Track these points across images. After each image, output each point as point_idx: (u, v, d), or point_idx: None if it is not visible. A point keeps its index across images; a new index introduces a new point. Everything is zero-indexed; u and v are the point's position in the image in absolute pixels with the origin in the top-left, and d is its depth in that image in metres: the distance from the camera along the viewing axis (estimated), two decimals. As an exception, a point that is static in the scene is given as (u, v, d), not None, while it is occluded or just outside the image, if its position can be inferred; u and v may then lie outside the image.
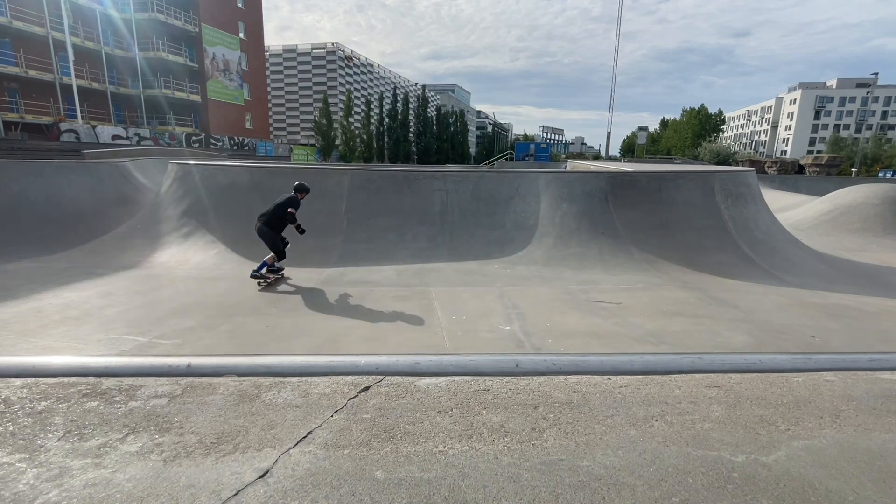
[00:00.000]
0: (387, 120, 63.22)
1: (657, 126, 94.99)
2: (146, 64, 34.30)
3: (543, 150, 49.32)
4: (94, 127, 28.44)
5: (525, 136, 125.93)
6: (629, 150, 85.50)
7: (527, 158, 44.89)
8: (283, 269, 6.72)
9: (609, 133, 56.39)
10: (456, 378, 1.25)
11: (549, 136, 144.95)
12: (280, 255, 6.47)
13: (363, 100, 70.70)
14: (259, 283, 6.26)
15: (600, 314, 5.19)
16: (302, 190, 6.50)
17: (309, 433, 0.96)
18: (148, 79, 34.71)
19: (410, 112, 66.43)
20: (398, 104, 63.50)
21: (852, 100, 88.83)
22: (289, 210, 6.19)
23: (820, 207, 14.14)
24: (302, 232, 6.34)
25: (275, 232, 6.34)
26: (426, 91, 77.01)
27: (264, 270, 6.38)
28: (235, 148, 37.79)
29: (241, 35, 42.46)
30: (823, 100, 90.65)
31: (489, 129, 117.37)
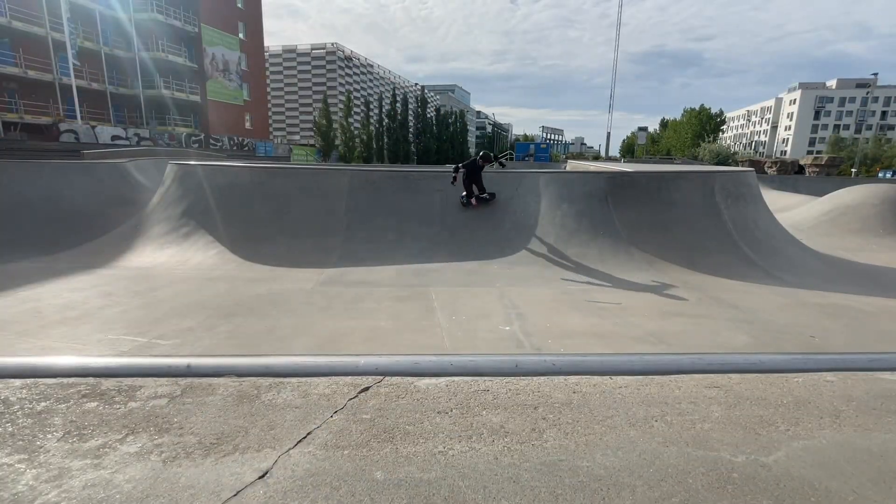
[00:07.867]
0: (386, 120, 63.21)
1: (657, 126, 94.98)
2: (146, 64, 34.29)
3: (543, 151, 49.44)
4: (93, 127, 28.43)
5: (525, 136, 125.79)
6: (629, 150, 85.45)
7: (527, 158, 44.96)
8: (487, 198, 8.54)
9: (609, 133, 56.51)
10: (456, 378, 1.25)
11: (548, 137, 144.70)
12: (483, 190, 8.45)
13: (362, 100, 70.70)
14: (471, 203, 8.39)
15: (600, 314, 5.19)
16: (486, 159, 8.30)
17: (309, 434, 0.96)
18: (147, 79, 34.70)
19: (410, 112, 66.43)
20: (397, 104, 63.49)
21: (852, 100, 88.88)
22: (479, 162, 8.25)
23: (819, 208, 14.14)
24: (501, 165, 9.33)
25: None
26: (425, 91, 77.03)
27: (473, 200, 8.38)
28: (235, 148, 37.82)
29: (241, 35, 42.48)
30: (823, 100, 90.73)
31: (489, 129, 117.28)
